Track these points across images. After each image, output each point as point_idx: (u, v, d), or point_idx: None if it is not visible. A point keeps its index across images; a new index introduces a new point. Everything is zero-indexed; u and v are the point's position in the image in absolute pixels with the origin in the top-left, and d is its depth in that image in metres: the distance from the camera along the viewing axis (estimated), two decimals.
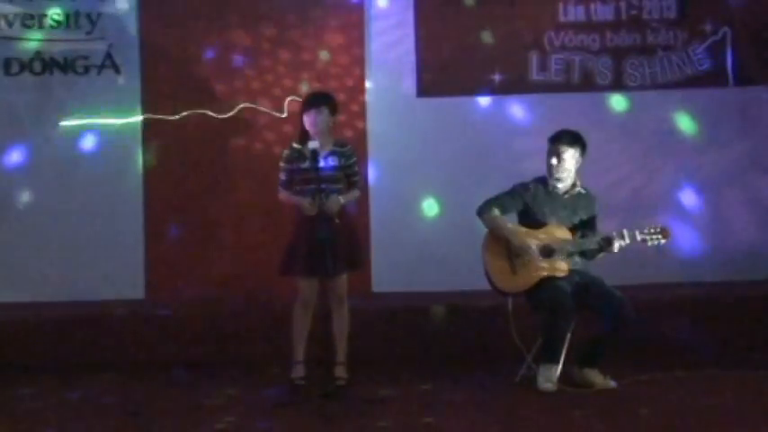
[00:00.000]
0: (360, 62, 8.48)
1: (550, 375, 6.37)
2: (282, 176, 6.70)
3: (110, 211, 8.37)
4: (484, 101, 8.51)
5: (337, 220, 6.54)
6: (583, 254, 6.62)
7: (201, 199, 8.44)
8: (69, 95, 8.41)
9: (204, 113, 8.42)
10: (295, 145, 6.66)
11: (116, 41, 8.41)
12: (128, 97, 8.38)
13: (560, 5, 8.51)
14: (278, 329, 7.02)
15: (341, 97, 7.31)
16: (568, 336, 6.45)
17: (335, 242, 6.51)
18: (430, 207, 8.46)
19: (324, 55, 8.45)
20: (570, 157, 6.59)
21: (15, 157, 8.40)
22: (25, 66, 8.40)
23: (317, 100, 6.66)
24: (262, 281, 7.86)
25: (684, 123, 8.52)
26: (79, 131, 8.39)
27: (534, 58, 8.51)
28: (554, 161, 6.59)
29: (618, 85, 8.52)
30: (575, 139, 6.62)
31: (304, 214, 6.55)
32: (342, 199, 6.59)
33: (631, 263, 7.24)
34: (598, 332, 6.51)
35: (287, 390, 6.57)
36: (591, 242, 6.56)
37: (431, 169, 8.45)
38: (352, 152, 6.76)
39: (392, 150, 8.47)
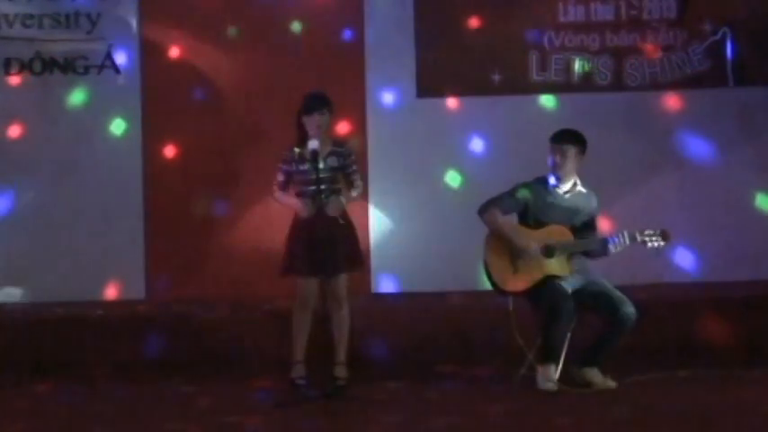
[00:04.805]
0: (359, 62, 8.47)
1: (550, 375, 6.37)
2: (280, 177, 6.71)
3: (110, 211, 8.37)
4: (483, 101, 8.51)
5: (342, 221, 6.56)
6: (584, 254, 6.62)
7: (201, 199, 8.45)
8: (69, 95, 8.42)
9: (205, 115, 8.45)
10: (296, 149, 6.66)
11: (116, 41, 8.42)
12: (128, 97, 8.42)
13: (560, 5, 8.51)
14: (277, 330, 7.02)
15: (341, 98, 7.29)
16: (568, 336, 6.45)
17: (335, 242, 6.53)
18: (430, 207, 8.45)
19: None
20: (572, 155, 6.60)
21: (15, 156, 8.40)
22: (25, 66, 8.40)
23: (319, 103, 6.66)
24: (262, 281, 7.85)
25: (684, 123, 8.53)
26: (80, 131, 8.40)
27: (534, 58, 8.51)
28: (557, 159, 6.60)
29: (618, 85, 8.52)
30: (577, 138, 6.63)
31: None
32: (344, 200, 6.60)
33: (631, 263, 7.24)
34: (599, 332, 6.51)
35: (287, 390, 6.57)
36: (591, 242, 6.56)
37: (430, 170, 8.45)
38: (351, 151, 6.77)
39: (392, 150, 8.47)
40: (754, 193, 8.49)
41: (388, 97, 8.53)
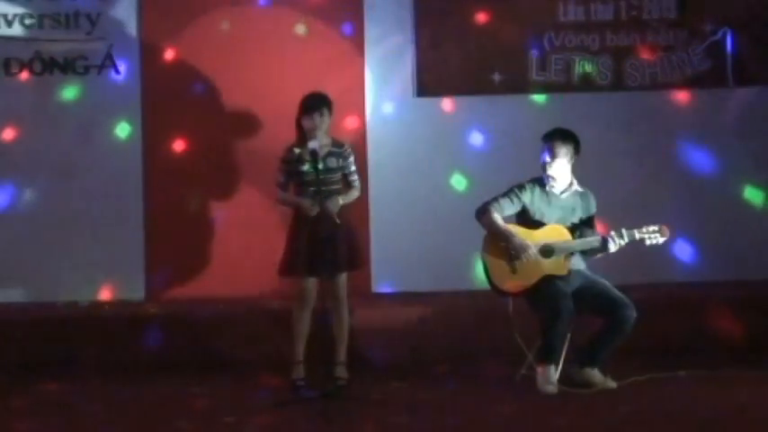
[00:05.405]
0: (359, 62, 8.48)
1: (550, 376, 6.37)
2: (281, 178, 6.72)
3: (110, 211, 8.37)
4: (483, 101, 8.50)
5: (338, 220, 6.56)
6: (582, 253, 6.63)
7: (202, 199, 8.45)
8: (69, 95, 8.42)
9: (205, 115, 8.45)
10: (296, 149, 6.66)
11: (116, 41, 8.42)
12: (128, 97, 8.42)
13: (560, 5, 8.51)
14: (277, 330, 7.02)
15: (340, 97, 7.31)
16: (568, 336, 6.46)
17: (335, 242, 6.53)
18: (429, 207, 8.44)
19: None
20: (563, 154, 6.60)
21: (15, 157, 8.39)
22: (25, 66, 8.40)
23: (317, 103, 6.66)
24: (261, 281, 7.85)
25: (684, 123, 8.53)
26: (79, 132, 8.40)
27: (534, 58, 8.51)
28: (547, 158, 6.60)
29: (618, 85, 8.51)
30: (567, 137, 6.64)
31: (303, 215, 6.56)
32: (341, 199, 6.61)
33: (631, 263, 7.24)
34: (598, 332, 6.51)
35: (287, 390, 6.57)
36: (590, 242, 6.56)
37: (430, 169, 8.45)
38: (350, 152, 6.78)
39: (391, 150, 8.47)
40: (755, 193, 8.51)
41: (387, 96, 8.52)
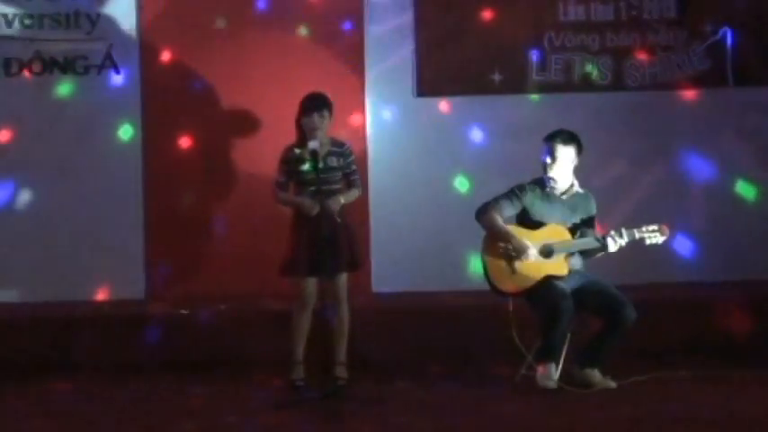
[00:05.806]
0: (359, 62, 8.47)
1: (550, 373, 6.37)
2: (281, 178, 6.71)
3: (110, 211, 8.37)
4: (483, 101, 8.51)
5: (339, 219, 6.56)
6: (582, 253, 6.63)
7: (201, 199, 8.45)
8: (69, 95, 8.42)
9: (205, 115, 8.45)
10: (296, 149, 6.66)
11: (116, 41, 8.42)
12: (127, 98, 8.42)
13: (560, 5, 8.51)
14: (277, 330, 7.02)
15: (340, 97, 7.31)
16: (568, 336, 6.46)
17: (336, 242, 6.53)
18: (429, 207, 8.45)
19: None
20: (565, 155, 6.60)
21: (15, 156, 8.39)
22: (25, 66, 8.40)
23: (317, 103, 6.66)
24: (261, 281, 7.85)
25: (684, 123, 8.53)
26: (79, 131, 8.39)
27: (534, 58, 8.51)
28: (548, 160, 6.61)
29: (618, 85, 8.51)
30: (570, 138, 6.63)
31: (303, 214, 6.56)
32: (342, 198, 6.61)
33: (631, 263, 7.25)
34: (598, 332, 6.52)
35: (287, 390, 6.57)
36: (590, 242, 6.56)
37: (430, 169, 8.45)
38: (350, 151, 6.78)
39: (391, 150, 8.47)
40: (755, 193, 8.51)
41: (387, 96, 8.52)
